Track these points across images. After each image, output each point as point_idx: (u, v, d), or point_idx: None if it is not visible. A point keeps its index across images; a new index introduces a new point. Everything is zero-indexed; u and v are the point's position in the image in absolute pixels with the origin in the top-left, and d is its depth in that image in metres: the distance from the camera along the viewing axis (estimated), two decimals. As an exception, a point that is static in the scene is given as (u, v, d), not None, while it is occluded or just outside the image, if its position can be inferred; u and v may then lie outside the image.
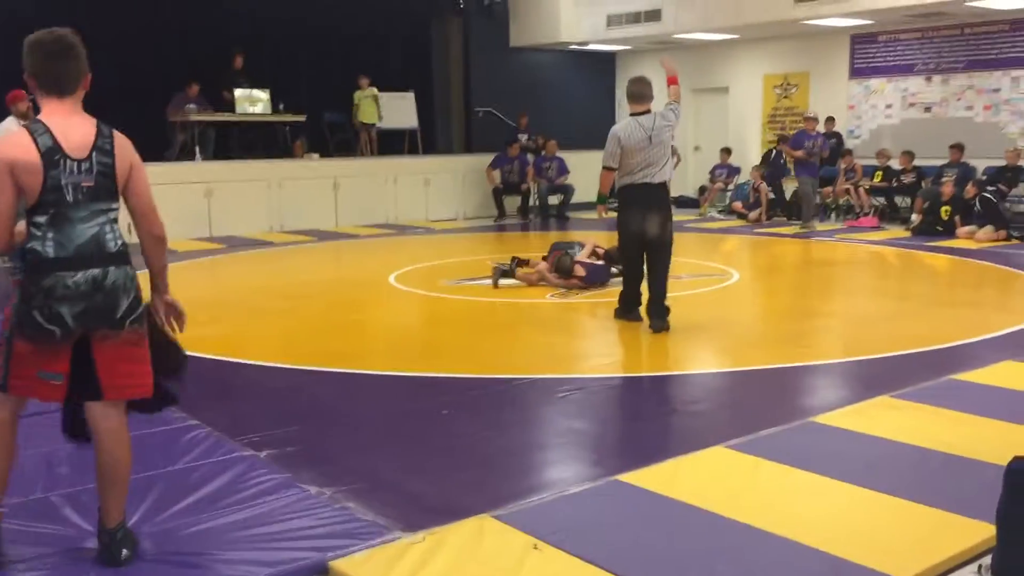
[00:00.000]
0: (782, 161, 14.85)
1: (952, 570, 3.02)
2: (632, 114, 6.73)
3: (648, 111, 6.74)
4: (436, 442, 4.42)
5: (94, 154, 3.03)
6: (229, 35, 14.25)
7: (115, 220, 3.13)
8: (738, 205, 14.90)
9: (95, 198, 3.02)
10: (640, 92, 6.78)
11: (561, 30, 16.56)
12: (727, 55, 17.08)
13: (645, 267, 6.81)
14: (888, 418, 4.54)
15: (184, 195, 12.79)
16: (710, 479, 3.79)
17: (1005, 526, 2.47)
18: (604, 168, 6.71)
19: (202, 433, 4.39)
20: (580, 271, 8.38)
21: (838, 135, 15.35)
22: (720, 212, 15.77)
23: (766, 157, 15.44)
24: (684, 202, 17.04)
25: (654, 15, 15.50)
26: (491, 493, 3.70)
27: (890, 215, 13.91)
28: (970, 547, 3.11)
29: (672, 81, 7.04)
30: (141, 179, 3.25)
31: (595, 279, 8.42)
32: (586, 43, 16.97)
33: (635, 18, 15.81)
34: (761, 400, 5.20)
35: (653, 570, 3.00)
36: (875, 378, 5.60)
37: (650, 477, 3.79)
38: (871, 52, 15.24)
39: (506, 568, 3.02)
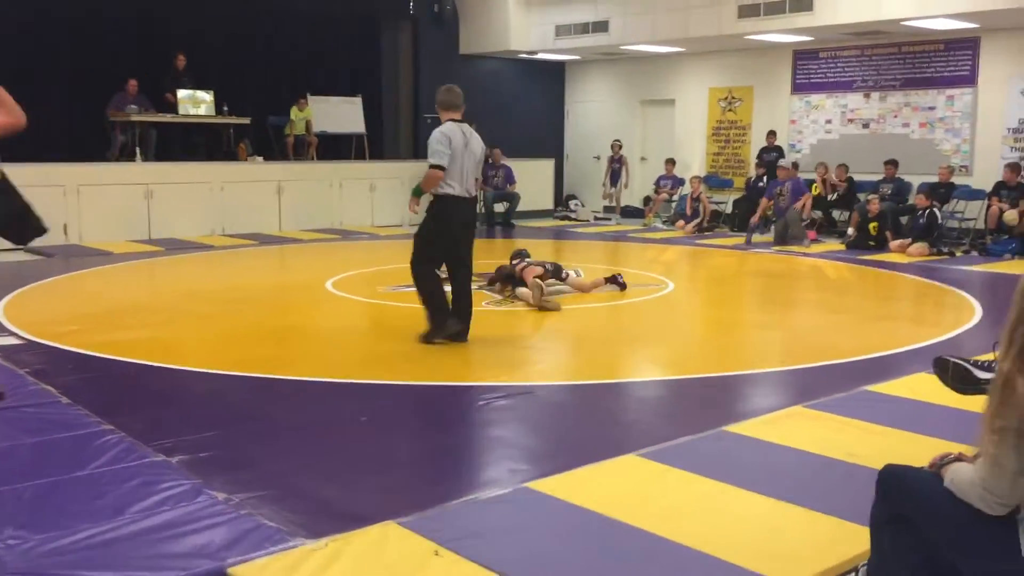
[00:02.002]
0: (760, 184, 14.93)
1: (840, 576, 3.10)
2: (448, 120, 6.59)
3: (463, 120, 6.67)
4: (352, 449, 4.43)
5: None
6: (172, 35, 14.13)
7: None
8: (680, 224, 15.00)
9: None
10: (451, 101, 6.62)
11: (510, 38, 16.66)
12: (674, 68, 17.30)
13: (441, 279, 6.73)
14: (799, 428, 4.63)
15: (123, 196, 12.66)
16: (618, 487, 3.84)
17: (876, 531, 2.55)
18: (435, 167, 6.35)
19: (114, 439, 4.34)
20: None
21: (779, 149, 15.61)
22: (664, 223, 15.93)
23: (748, 183, 15.56)
24: (629, 212, 17.23)
25: (602, 26, 15.66)
26: (400, 500, 3.71)
27: (827, 229, 14.16)
28: (861, 553, 3.18)
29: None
30: None
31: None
32: (535, 52, 17.09)
33: (583, 29, 15.96)
34: (679, 409, 5.29)
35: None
36: (793, 388, 5.72)
37: (559, 484, 3.83)
38: (812, 68, 15.53)
39: (404, 574, 3.04)
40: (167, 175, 13.13)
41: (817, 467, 4.07)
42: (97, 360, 6.04)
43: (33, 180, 11.69)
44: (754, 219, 13.72)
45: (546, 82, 18.78)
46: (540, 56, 17.51)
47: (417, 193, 6.76)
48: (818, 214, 14.29)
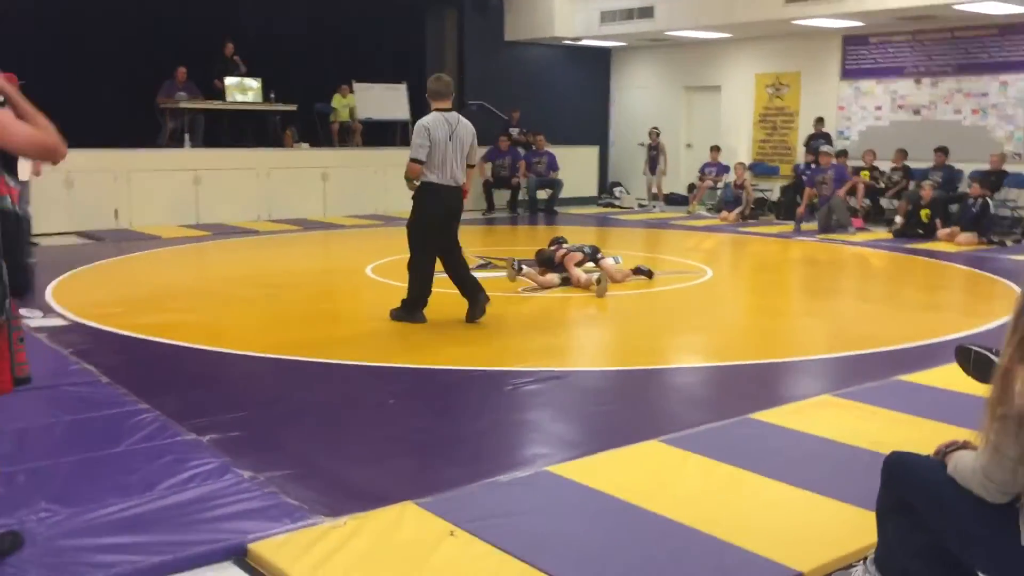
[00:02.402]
0: (805, 176, 14.75)
1: (853, 564, 3.08)
2: (436, 110, 6.68)
3: (451, 109, 6.72)
4: (378, 430, 4.50)
5: None
6: (220, 21, 14.33)
7: None
8: (724, 214, 14.83)
9: None
10: (438, 90, 6.69)
11: (555, 25, 16.60)
12: (720, 53, 17.12)
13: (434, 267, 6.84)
14: (826, 416, 4.61)
15: (172, 182, 12.89)
16: (638, 472, 3.86)
17: (881, 519, 2.54)
18: (412, 160, 6.53)
19: (149, 417, 4.46)
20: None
21: (827, 136, 15.39)
22: (709, 210, 15.81)
23: (795, 170, 15.38)
24: (674, 200, 17.13)
25: (647, 12, 15.54)
26: (422, 481, 3.77)
27: (875, 217, 13.95)
28: (875, 542, 3.17)
29: None
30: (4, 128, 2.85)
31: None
32: (579, 39, 17.01)
33: (628, 15, 15.85)
34: (706, 396, 5.29)
35: (561, 559, 3.07)
36: (825, 377, 5.69)
37: (580, 469, 3.86)
38: (862, 54, 15.27)
39: (418, 553, 3.10)
40: (215, 161, 13.34)
41: (841, 456, 4.05)
42: (139, 341, 6.20)
43: (85, 166, 12.05)
44: (800, 209, 13.57)
45: (591, 69, 18.70)
46: (585, 42, 17.44)
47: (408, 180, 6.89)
48: (867, 202, 14.08)
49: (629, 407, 5.02)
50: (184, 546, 3.13)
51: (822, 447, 4.16)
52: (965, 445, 2.36)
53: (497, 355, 6.00)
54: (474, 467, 3.98)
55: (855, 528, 3.27)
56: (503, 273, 8.49)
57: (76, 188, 12.06)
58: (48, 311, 7.07)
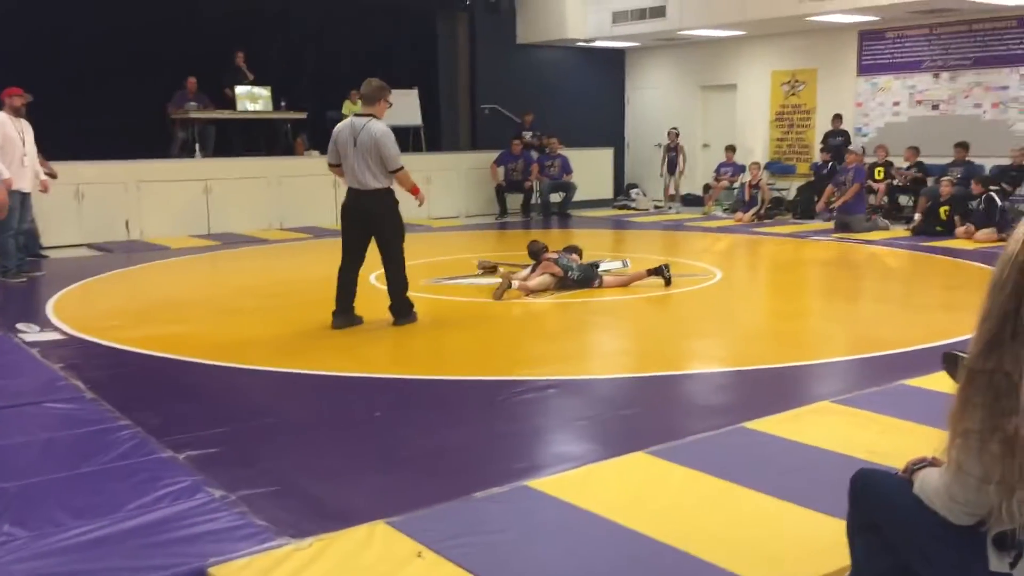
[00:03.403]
0: (825, 171, 14.56)
1: (834, 584, 2.95)
2: (356, 114, 6.78)
3: (370, 116, 6.71)
4: (358, 446, 4.40)
5: None
6: (230, 32, 14.33)
7: None
8: (739, 215, 14.62)
9: None
10: (365, 93, 6.83)
11: (567, 26, 16.50)
12: (735, 52, 16.92)
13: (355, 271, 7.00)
14: (821, 424, 4.46)
15: (183, 192, 12.90)
16: (619, 486, 3.73)
17: (850, 538, 2.41)
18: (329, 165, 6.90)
19: (127, 434, 4.38)
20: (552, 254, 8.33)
21: (845, 133, 15.15)
22: (725, 211, 15.61)
23: (817, 168, 15.14)
24: (690, 200, 16.95)
25: (659, 11, 15.39)
26: (396, 499, 3.66)
27: (893, 214, 13.70)
28: (860, 561, 3.03)
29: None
30: None
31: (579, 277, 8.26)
32: (592, 40, 16.88)
33: (640, 15, 15.71)
34: (700, 404, 5.15)
35: (528, 581, 2.96)
36: (826, 382, 5.54)
37: (559, 483, 3.74)
38: (879, 49, 15.02)
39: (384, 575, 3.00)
40: (225, 170, 13.34)
41: (832, 466, 3.89)
42: (130, 355, 6.14)
43: (95, 177, 12.09)
44: (819, 206, 13.37)
45: (605, 70, 18.56)
46: (598, 43, 17.30)
47: None
48: (884, 199, 13.84)
49: (617, 417, 4.88)
50: (141, 571, 3.04)
51: (814, 457, 4.01)
52: (934, 462, 2.22)
53: (494, 364, 5.89)
54: (453, 482, 3.86)
55: (837, 544, 3.11)
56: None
57: (87, 200, 12.10)
58: (46, 324, 7.05)
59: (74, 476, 3.86)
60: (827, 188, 13.34)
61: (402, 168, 6.74)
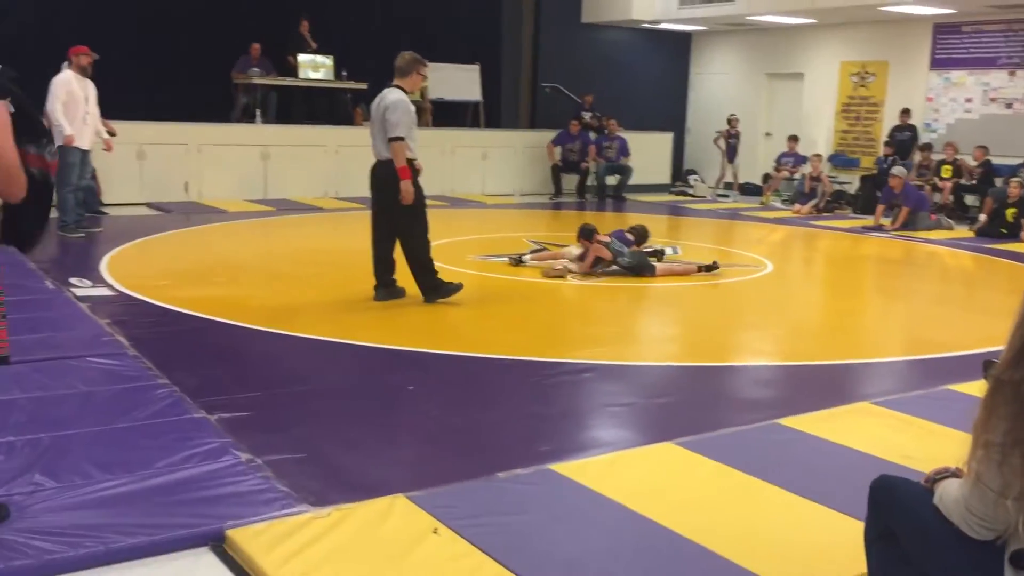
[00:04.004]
0: (885, 166, 14.20)
1: (853, 590, 2.88)
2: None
3: (396, 87, 6.66)
4: (388, 417, 4.42)
5: None
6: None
7: None
8: (796, 207, 14.33)
9: None
10: (398, 65, 6.76)
11: (633, 7, 16.27)
12: (804, 40, 16.58)
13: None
14: (858, 425, 4.36)
15: (241, 157, 13.04)
16: (643, 475, 3.69)
17: (867, 546, 2.34)
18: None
19: (164, 393, 4.45)
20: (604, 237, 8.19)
21: (913, 128, 14.78)
22: (784, 202, 15.33)
23: (880, 163, 14.73)
24: (748, 190, 16.70)
25: (728, -5, 15.12)
26: (420, 472, 3.67)
27: (957, 214, 13.34)
28: (883, 568, 2.96)
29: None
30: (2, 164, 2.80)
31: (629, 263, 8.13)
32: (658, 22, 16.66)
33: (708, -2, 15.46)
34: (738, 397, 5.07)
35: (541, 565, 2.94)
36: (869, 382, 5.43)
37: (583, 469, 3.71)
38: (953, 43, 14.60)
39: (395, 551, 3.00)
40: (284, 137, 13.45)
41: (863, 468, 3.78)
42: (176, 314, 6.24)
43: (158, 138, 12.28)
44: (876, 218, 12.74)
45: (670, 53, 18.30)
46: (663, 26, 17.07)
47: None
48: (950, 198, 13.48)
49: (652, 405, 4.83)
50: (162, 528, 3.08)
51: (846, 458, 3.92)
52: (956, 473, 2.14)
53: (533, 345, 5.85)
54: (477, 460, 3.86)
55: (858, 548, 3.03)
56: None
57: (148, 160, 12.29)
58: (98, 280, 7.19)
59: (107, 431, 3.93)
60: (878, 207, 12.77)
61: (401, 140, 6.46)
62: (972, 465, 1.94)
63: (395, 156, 6.53)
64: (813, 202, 14.03)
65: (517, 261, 8.51)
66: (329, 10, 14.77)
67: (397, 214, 6.72)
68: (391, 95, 6.58)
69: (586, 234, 8.27)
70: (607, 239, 8.24)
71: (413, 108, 6.69)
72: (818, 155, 14.76)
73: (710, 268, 8.29)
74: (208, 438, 3.91)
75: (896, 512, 2.20)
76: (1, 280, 3.05)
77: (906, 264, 10.10)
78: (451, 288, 6.83)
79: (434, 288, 6.83)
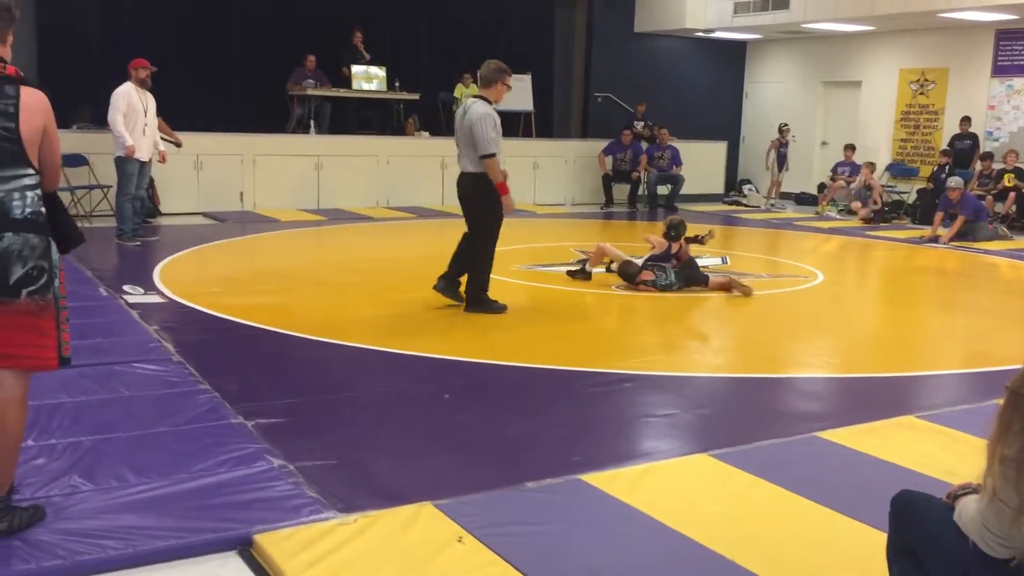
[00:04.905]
0: (943, 176, 13.88)
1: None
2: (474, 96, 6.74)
3: (480, 98, 6.61)
4: (422, 426, 4.42)
5: None
6: (350, 11, 14.59)
7: (30, 187, 2.98)
8: (857, 205, 14.16)
9: None
10: (483, 74, 6.72)
11: (687, 16, 16.20)
12: (861, 47, 16.32)
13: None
14: (901, 439, 4.26)
15: (295, 167, 13.22)
16: (675, 487, 3.65)
17: (889, 562, 2.28)
18: None
19: (204, 398, 4.52)
20: (647, 275, 7.97)
21: (974, 136, 14.45)
22: (839, 212, 15.08)
23: (933, 177, 14.35)
24: (803, 199, 16.46)
25: (782, 3, 14.96)
26: (450, 481, 3.67)
27: (1018, 225, 12.98)
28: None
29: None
30: (51, 143, 3.06)
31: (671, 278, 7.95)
32: (712, 31, 16.53)
33: (763, 5, 15.31)
34: (777, 409, 4.98)
35: (563, 574, 2.92)
36: (917, 395, 5.31)
37: (614, 480, 3.68)
38: (1017, 49, 14.25)
39: (418, 559, 3.00)
40: (337, 147, 13.61)
41: (904, 484, 3.65)
42: (224, 322, 6.33)
43: (213, 148, 12.52)
44: (933, 229, 12.34)
45: (725, 62, 18.15)
46: (718, 35, 16.93)
47: None
48: (1011, 208, 13.13)
49: (690, 416, 4.77)
50: (191, 532, 3.13)
51: (885, 473, 3.82)
52: (978, 489, 2.08)
53: (573, 354, 5.82)
54: (508, 470, 3.84)
55: (893, 567, 2.98)
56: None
57: (204, 170, 12.52)
58: (150, 288, 7.33)
59: (146, 435, 4.00)
60: (936, 216, 12.43)
61: (492, 156, 6.48)
62: (987, 482, 1.88)
63: (491, 173, 6.55)
64: (867, 209, 13.79)
65: (581, 272, 8.27)
66: (382, 21, 14.95)
67: (471, 227, 6.81)
68: (476, 108, 6.54)
69: (676, 233, 7.96)
70: (652, 277, 7.93)
71: (499, 118, 6.64)
72: (870, 163, 14.50)
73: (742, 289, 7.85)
74: (243, 443, 3.96)
75: (915, 528, 2.14)
76: (64, 286, 3.14)
77: (961, 276, 9.86)
78: (495, 307, 6.84)
79: (479, 302, 6.85)
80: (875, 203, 13.96)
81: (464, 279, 6.88)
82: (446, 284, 6.90)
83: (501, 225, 6.86)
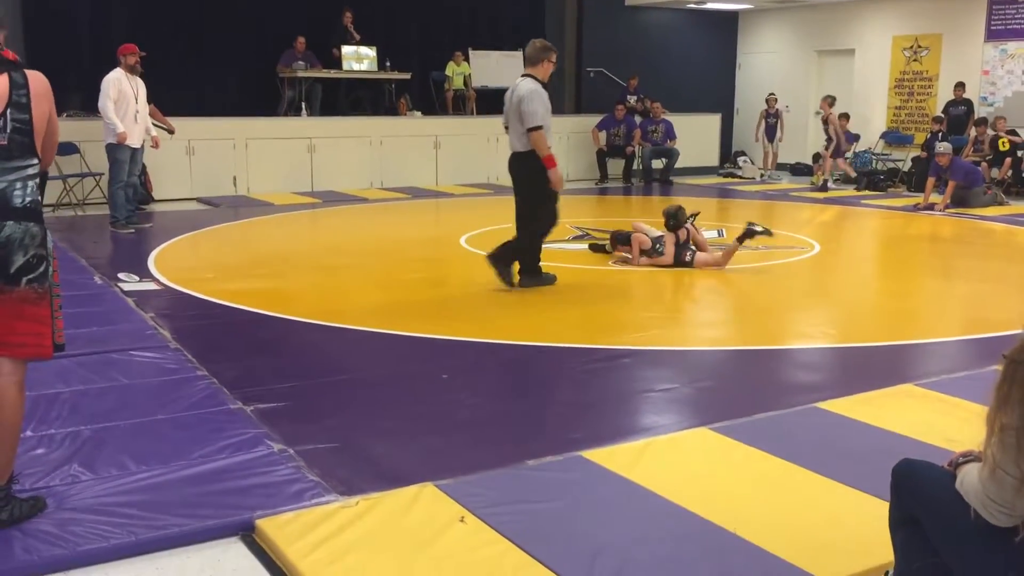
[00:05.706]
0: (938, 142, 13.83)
1: (885, 577, 2.81)
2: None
3: (527, 76, 6.64)
4: (421, 407, 4.42)
5: (9, 111, 2.91)
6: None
7: (31, 176, 2.99)
8: (841, 162, 14.21)
9: (7, 157, 2.92)
10: (528, 54, 6.75)
11: (678, -13, 16.11)
12: (854, 14, 16.25)
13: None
14: (900, 408, 4.26)
15: (288, 150, 13.15)
16: (676, 461, 3.65)
17: (891, 531, 2.28)
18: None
19: (202, 385, 4.51)
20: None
21: (968, 102, 14.40)
22: (835, 181, 15.05)
23: (926, 145, 14.26)
24: (800, 170, 16.43)
25: (773, -28, 14.86)
26: (450, 461, 3.67)
27: (1013, 190, 12.96)
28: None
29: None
30: (53, 128, 3.07)
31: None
32: (704, 1, 16.44)
33: (755, -25, 15.21)
34: (777, 381, 4.99)
35: (567, 553, 2.91)
36: (915, 363, 5.31)
37: (614, 456, 3.68)
38: (1010, 13, 14.19)
39: (421, 539, 3.00)
40: (329, 129, 13.54)
41: (904, 453, 3.65)
42: (220, 307, 6.32)
43: (205, 133, 12.44)
44: (925, 198, 12.32)
45: (716, 33, 18.05)
46: (710, 6, 16.84)
47: None
48: (1007, 173, 13.11)
49: (690, 391, 4.77)
50: (193, 519, 3.12)
51: (886, 442, 3.82)
52: (980, 457, 2.07)
53: (572, 331, 5.81)
54: (508, 448, 3.84)
55: (895, 536, 2.98)
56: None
57: (197, 155, 12.46)
58: (145, 275, 7.31)
59: (145, 423, 3.99)
60: (928, 180, 12.39)
61: (539, 128, 6.49)
62: (988, 452, 1.87)
63: (537, 145, 6.55)
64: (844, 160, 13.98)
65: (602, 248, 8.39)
66: (372, 0, 14.82)
67: (525, 199, 6.78)
68: (524, 85, 6.58)
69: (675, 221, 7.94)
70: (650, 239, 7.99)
71: (547, 96, 6.66)
72: (826, 97, 14.50)
73: (749, 235, 7.75)
74: (242, 429, 3.95)
75: (917, 497, 2.14)
76: (57, 274, 3.13)
77: (958, 242, 9.85)
78: (547, 278, 6.95)
79: (533, 273, 6.91)
80: (829, 138, 14.12)
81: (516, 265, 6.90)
82: (527, 276, 6.90)
83: (557, 201, 6.83)
